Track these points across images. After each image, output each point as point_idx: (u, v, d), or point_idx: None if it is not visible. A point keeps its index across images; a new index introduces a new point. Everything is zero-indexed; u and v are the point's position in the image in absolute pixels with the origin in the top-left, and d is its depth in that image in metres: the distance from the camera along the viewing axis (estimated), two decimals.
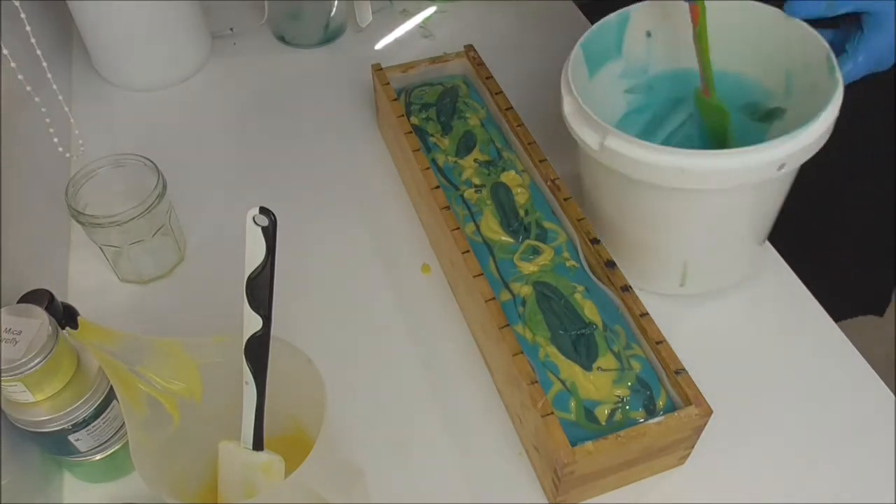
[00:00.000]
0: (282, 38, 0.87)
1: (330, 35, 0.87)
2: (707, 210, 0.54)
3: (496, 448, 0.54)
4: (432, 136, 0.67)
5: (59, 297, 0.49)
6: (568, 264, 0.57)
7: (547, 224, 0.60)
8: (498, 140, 0.67)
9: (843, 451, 0.54)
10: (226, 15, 0.89)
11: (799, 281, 0.63)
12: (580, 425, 0.49)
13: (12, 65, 0.57)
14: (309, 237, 0.67)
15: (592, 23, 0.59)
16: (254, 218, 0.38)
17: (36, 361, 0.43)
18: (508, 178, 0.63)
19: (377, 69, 0.71)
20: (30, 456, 0.49)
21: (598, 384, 0.50)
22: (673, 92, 0.63)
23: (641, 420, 0.49)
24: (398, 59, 0.73)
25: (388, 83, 0.70)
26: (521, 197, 0.61)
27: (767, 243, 0.64)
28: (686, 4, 0.54)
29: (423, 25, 0.89)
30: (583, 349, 0.52)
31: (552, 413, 0.48)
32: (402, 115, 0.67)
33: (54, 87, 0.63)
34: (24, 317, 0.44)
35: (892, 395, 0.57)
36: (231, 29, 0.87)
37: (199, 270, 0.65)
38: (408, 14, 0.91)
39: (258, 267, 0.39)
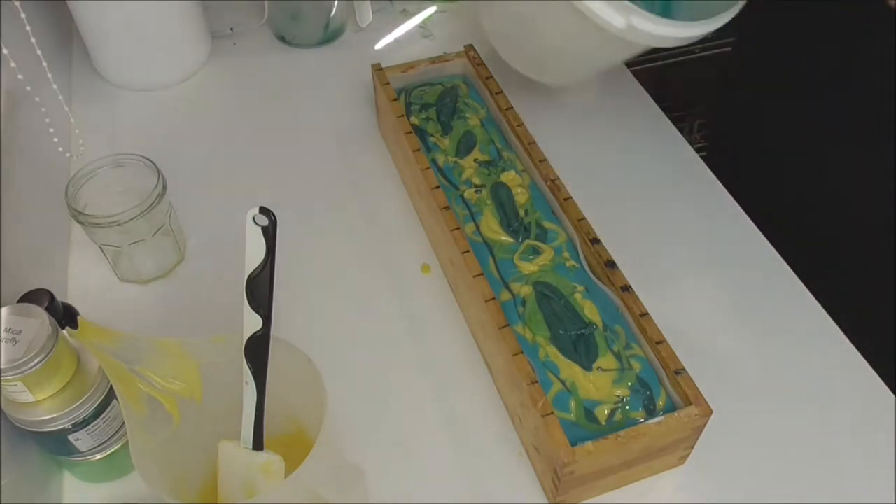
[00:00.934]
0: (282, 38, 0.87)
1: (330, 35, 0.87)
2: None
3: (496, 448, 0.54)
4: (432, 136, 0.67)
5: (59, 297, 0.49)
6: (568, 264, 0.57)
7: (547, 224, 0.60)
8: (498, 140, 0.67)
9: (843, 451, 0.54)
10: (226, 15, 0.89)
11: (799, 281, 0.64)
12: (580, 425, 0.49)
13: (12, 65, 0.57)
14: (309, 237, 0.67)
15: None
16: (254, 218, 0.38)
17: (36, 361, 0.42)
18: (508, 178, 0.63)
19: (377, 69, 0.71)
20: (30, 456, 0.49)
21: (598, 384, 0.50)
22: None
23: (641, 420, 0.49)
24: (398, 59, 0.73)
25: (388, 83, 0.70)
26: (521, 197, 0.61)
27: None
28: None
29: (423, 25, 0.89)
30: (583, 349, 0.52)
31: (552, 413, 0.48)
32: (402, 115, 0.67)
33: (54, 87, 0.63)
34: (24, 317, 0.44)
35: (892, 395, 0.57)
36: (231, 29, 0.87)
37: (199, 270, 0.65)
38: (408, 14, 0.91)
39: (258, 267, 0.39)
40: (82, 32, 0.78)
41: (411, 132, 0.66)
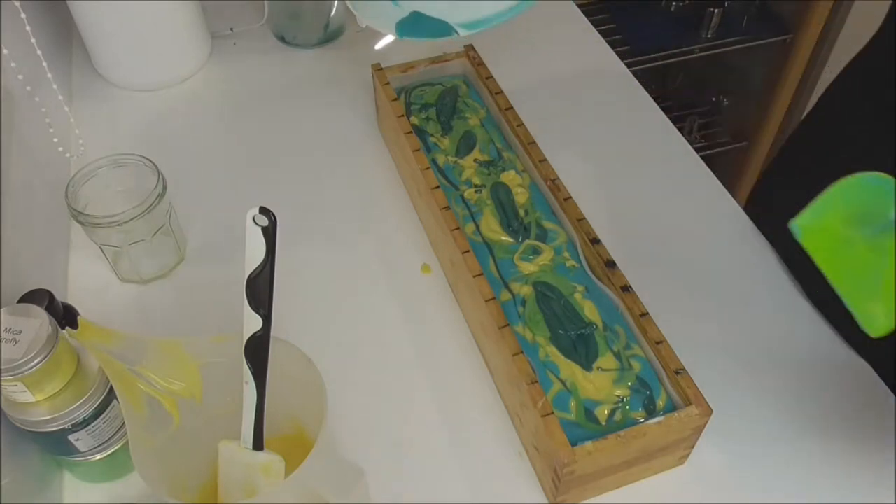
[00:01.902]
0: (282, 38, 0.87)
1: (330, 35, 0.87)
2: None
3: (496, 448, 0.54)
4: (432, 136, 0.67)
5: (59, 297, 0.49)
6: (568, 264, 0.57)
7: (547, 224, 0.60)
8: (498, 140, 0.67)
9: (843, 451, 0.54)
10: (226, 15, 0.89)
11: (792, 283, 0.64)
12: (580, 425, 0.49)
13: (12, 65, 0.57)
14: (309, 237, 0.67)
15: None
16: (254, 218, 0.38)
17: (36, 361, 0.42)
18: (508, 177, 0.63)
19: (377, 69, 0.71)
20: (30, 456, 0.49)
21: (598, 384, 0.50)
22: None
23: (641, 420, 0.49)
24: (398, 59, 0.73)
25: (388, 83, 0.70)
26: (521, 197, 0.61)
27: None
28: None
29: None
30: (583, 349, 0.52)
31: (552, 413, 0.48)
32: (402, 116, 0.67)
33: (54, 87, 0.63)
34: (24, 317, 0.44)
35: (892, 395, 0.57)
36: (231, 29, 0.87)
37: (199, 270, 0.65)
38: None
39: (258, 267, 0.39)
40: (82, 32, 0.78)
41: (411, 132, 0.66)
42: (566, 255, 0.58)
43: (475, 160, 0.65)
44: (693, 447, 0.51)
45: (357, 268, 0.66)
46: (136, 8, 0.74)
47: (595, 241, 0.57)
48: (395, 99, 0.68)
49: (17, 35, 0.61)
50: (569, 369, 0.51)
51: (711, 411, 0.48)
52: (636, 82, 0.83)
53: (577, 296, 0.55)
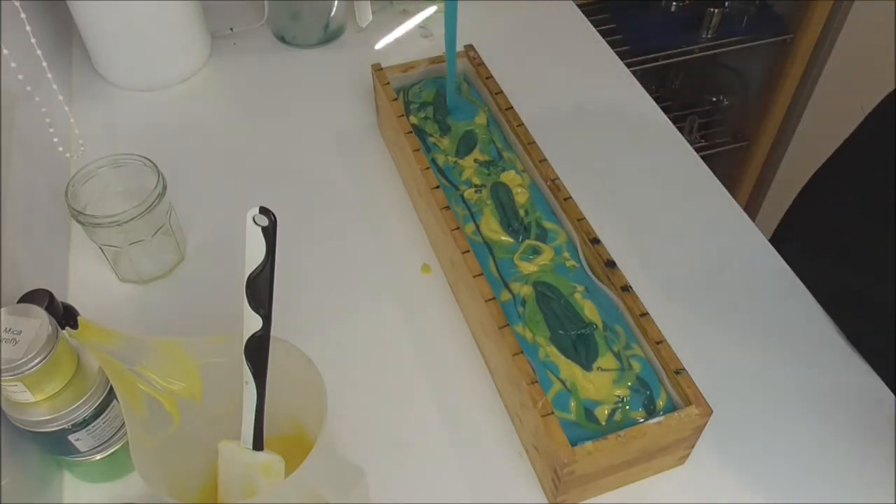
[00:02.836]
0: (282, 38, 0.87)
1: (330, 35, 0.87)
2: None
3: (496, 448, 0.54)
4: (432, 136, 0.67)
5: (59, 297, 0.49)
6: (568, 264, 0.57)
7: (547, 224, 0.60)
8: (498, 140, 0.67)
9: (843, 452, 0.54)
10: (226, 15, 0.89)
11: (799, 281, 0.64)
12: (580, 425, 0.49)
13: (12, 65, 0.57)
14: (309, 237, 0.67)
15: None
16: (254, 218, 0.38)
17: (36, 361, 0.42)
18: (508, 177, 0.63)
19: (377, 69, 0.71)
20: (29, 456, 0.49)
21: (598, 384, 0.50)
22: None
23: (641, 420, 0.49)
24: (398, 59, 0.73)
25: (388, 83, 0.70)
26: (521, 197, 0.61)
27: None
28: None
29: (423, 25, 0.89)
30: (583, 349, 0.52)
31: (552, 413, 0.48)
32: (402, 115, 0.67)
33: (54, 87, 0.63)
34: (24, 317, 0.44)
35: (892, 395, 0.57)
36: (231, 29, 0.87)
37: (199, 270, 0.65)
38: (408, 14, 0.91)
39: (258, 267, 0.39)
40: (82, 32, 0.78)
41: (411, 132, 0.66)
42: (566, 255, 0.58)
43: (475, 160, 0.64)
44: (693, 447, 0.51)
45: (357, 267, 0.66)
46: (136, 8, 0.74)
47: (595, 241, 0.57)
48: (395, 99, 0.68)
49: (17, 35, 0.61)
50: (569, 369, 0.51)
51: (711, 411, 0.48)
52: (636, 82, 0.83)
53: (577, 296, 0.55)
